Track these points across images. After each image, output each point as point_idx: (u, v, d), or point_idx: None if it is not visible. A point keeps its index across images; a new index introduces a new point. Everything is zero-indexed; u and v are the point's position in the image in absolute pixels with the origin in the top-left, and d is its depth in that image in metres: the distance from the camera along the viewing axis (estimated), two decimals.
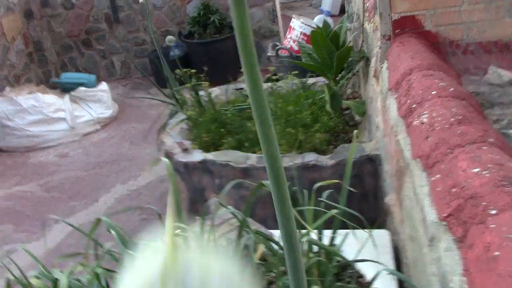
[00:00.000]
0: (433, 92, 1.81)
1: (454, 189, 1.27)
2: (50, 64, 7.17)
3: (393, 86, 2.19)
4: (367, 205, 2.96)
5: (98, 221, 1.71)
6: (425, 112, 1.70)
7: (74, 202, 4.34)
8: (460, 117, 1.56)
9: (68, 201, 4.39)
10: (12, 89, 5.99)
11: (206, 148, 3.26)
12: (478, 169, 1.26)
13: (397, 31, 2.59)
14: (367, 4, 3.39)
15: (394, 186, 2.14)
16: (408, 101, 1.90)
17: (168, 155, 3.32)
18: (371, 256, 1.80)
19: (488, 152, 1.37)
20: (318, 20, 5.70)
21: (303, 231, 1.79)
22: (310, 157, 2.96)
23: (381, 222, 2.67)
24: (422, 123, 1.66)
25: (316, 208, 1.86)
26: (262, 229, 2.44)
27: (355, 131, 1.86)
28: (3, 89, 6.10)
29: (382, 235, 2.18)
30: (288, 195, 0.97)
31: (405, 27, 2.58)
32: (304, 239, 1.78)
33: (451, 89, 1.82)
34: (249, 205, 1.75)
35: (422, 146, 1.56)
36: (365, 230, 1.86)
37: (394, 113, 2.06)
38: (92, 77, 6.36)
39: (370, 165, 2.92)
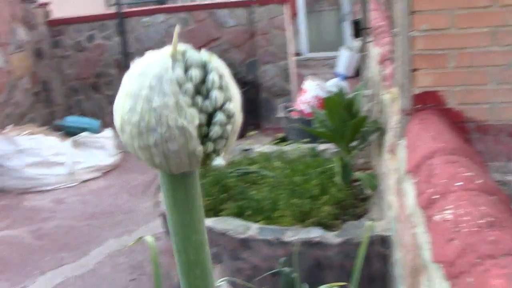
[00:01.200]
0: (458, 183, 1.62)
1: None
2: (56, 105, 7.06)
3: (412, 168, 2.00)
4: None
5: None
6: (449, 207, 1.51)
7: (64, 254, 4.12)
8: (491, 219, 1.36)
9: (58, 251, 4.17)
10: (13, 128, 5.83)
11: (205, 212, 3.06)
12: None
13: (417, 106, 2.40)
14: (385, 72, 3.23)
15: (407, 281, 1.93)
16: (429, 190, 1.71)
17: (164, 216, 3.12)
18: None
19: None
20: (333, 83, 5.56)
21: None
22: (315, 233, 2.76)
23: None
24: (445, 220, 1.47)
25: None
26: None
27: (369, 223, 1.66)
28: (5, 127, 5.96)
29: None
30: None
31: (426, 102, 2.40)
32: None
33: (479, 181, 1.63)
34: None
35: (445, 250, 1.36)
36: None
37: (411, 200, 1.87)
38: (96, 123, 6.23)
39: (380, 246, 2.71)
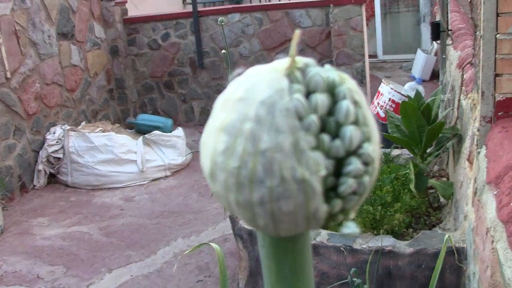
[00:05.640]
0: None
1: None
2: (129, 103, 7.14)
3: (492, 179, 1.88)
4: None
5: None
6: None
7: (131, 252, 4.13)
8: None
9: (126, 249, 4.18)
10: (87, 125, 5.92)
11: None
12: None
13: (500, 113, 2.26)
14: (465, 77, 3.09)
15: None
16: None
17: (233, 219, 3.08)
18: None
19: None
20: (409, 87, 5.39)
21: None
22: (387, 241, 2.65)
23: None
24: None
25: None
26: None
27: (447, 236, 1.55)
28: (79, 123, 6.05)
29: None
30: None
31: (509, 110, 2.26)
32: None
33: None
34: None
35: None
36: None
37: (492, 213, 1.75)
38: (169, 122, 6.26)
39: (453, 258, 2.59)
